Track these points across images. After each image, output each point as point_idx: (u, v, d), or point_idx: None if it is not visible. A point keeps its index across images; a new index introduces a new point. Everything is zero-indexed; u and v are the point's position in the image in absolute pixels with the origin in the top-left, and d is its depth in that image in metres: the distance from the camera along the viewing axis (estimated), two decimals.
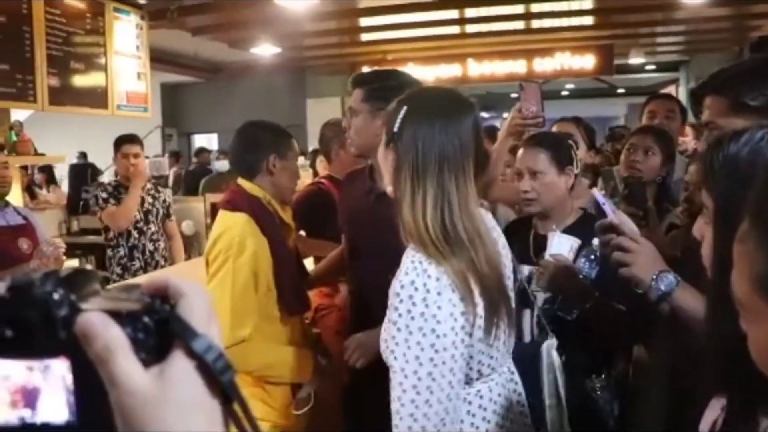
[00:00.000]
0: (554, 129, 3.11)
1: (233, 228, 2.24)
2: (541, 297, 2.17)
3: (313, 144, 11.19)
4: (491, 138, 3.95)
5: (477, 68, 10.23)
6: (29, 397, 0.47)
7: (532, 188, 2.25)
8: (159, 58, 9.27)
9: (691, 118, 3.23)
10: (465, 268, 1.41)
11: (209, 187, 7.00)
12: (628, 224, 1.57)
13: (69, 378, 0.47)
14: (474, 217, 1.47)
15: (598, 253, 2.00)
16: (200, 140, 13.63)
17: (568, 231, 2.20)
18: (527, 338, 2.15)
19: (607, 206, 1.66)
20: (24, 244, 3.39)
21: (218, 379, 0.48)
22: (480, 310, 1.43)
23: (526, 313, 2.17)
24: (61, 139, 9.38)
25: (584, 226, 2.15)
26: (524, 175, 2.26)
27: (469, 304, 1.40)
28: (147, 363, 0.47)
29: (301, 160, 6.28)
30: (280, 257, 2.30)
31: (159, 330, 0.48)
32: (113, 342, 0.46)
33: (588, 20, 8.85)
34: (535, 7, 8.01)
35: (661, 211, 2.66)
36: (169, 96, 12.83)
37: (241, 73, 11.37)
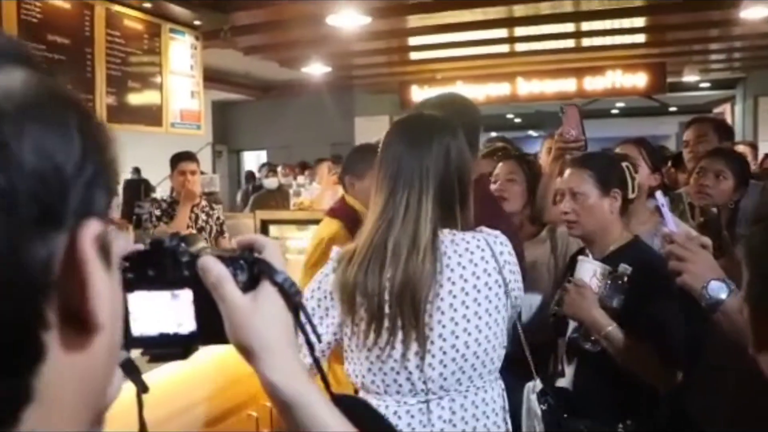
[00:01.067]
0: (617, 150, 3.06)
1: (323, 230, 2.83)
2: (572, 325, 2.10)
3: None
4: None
5: (526, 87, 10.16)
6: (166, 315, 0.70)
7: (572, 210, 2.18)
8: (211, 77, 9.46)
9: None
10: (361, 279, 1.49)
11: (258, 204, 7.09)
12: (687, 231, 1.55)
13: (192, 302, 0.70)
14: (414, 236, 1.48)
15: (625, 281, 1.95)
16: (249, 157, 13.83)
17: (611, 257, 2.11)
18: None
19: (666, 211, 1.63)
20: None
21: (292, 299, 0.72)
22: (359, 320, 1.50)
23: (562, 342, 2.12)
24: (120, 154, 9.58)
25: (630, 253, 2.08)
26: (565, 196, 2.21)
27: (347, 312, 1.52)
28: (244, 289, 0.71)
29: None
30: None
31: (250, 268, 0.71)
32: (221, 275, 0.70)
33: (640, 38, 8.72)
34: (586, 26, 7.92)
35: (734, 238, 2.58)
36: (220, 113, 13.05)
37: (290, 91, 11.51)
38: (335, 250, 1.60)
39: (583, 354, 1.98)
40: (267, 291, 0.71)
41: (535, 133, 20.27)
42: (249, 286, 0.71)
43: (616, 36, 8.44)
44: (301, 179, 6.68)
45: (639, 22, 7.95)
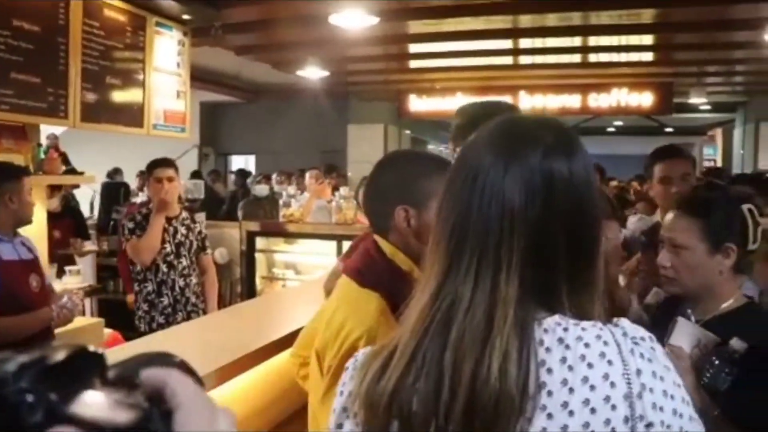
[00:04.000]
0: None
1: (361, 318, 1.47)
2: None
3: (352, 170, 10.94)
4: None
5: (529, 101, 9.84)
6: None
7: (672, 265, 1.76)
8: (200, 77, 9.06)
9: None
10: (402, 400, 0.86)
11: (246, 212, 6.68)
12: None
13: None
14: (486, 333, 0.84)
15: (736, 358, 1.54)
16: (237, 161, 13.43)
17: (717, 321, 1.69)
18: None
19: None
20: (34, 281, 3.05)
21: None
22: None
23: None
24: (100, 154, 9.17)
25: (742, 319, 1.67)
26: (666, 246, 1.78)
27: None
28: None
29: (344, 190, 5.96)
30: None
31: None
32: None
33: (648, 56, 8.44)
34: (593, 41, 7.61)
35: None
36: (209, 115, 12.64)
37: (282, 95, 11.14)
38: (361, 353, 0.98)
39: None
40: None
41: None
42: None
43: (623, 53, 8.16)
44: (291, 189, 6.28)
45: (647, 39, 7.65)
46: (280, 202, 6.12)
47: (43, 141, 4.58)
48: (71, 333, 3.50)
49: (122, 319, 4.61)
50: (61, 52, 4.21)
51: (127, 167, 9.15)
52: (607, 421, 0.80)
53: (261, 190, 6.91)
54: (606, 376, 0.80)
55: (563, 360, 0.83)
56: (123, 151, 8.95)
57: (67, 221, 5.98)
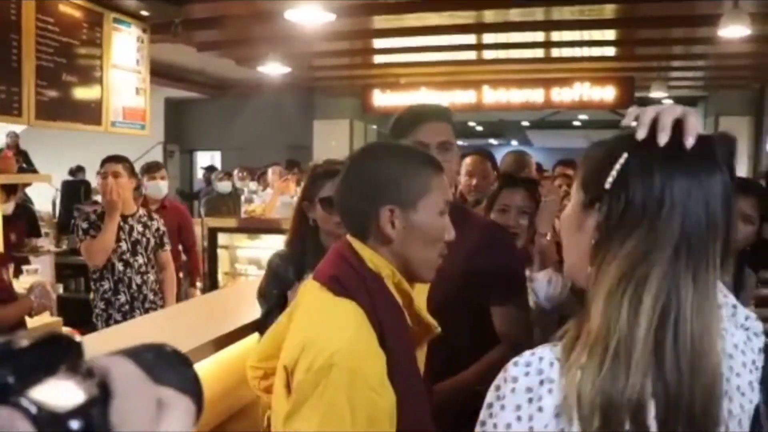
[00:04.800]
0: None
1: (337, 333, 1.34)
2: None
3: None
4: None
5: (492, 95, 9.90)
6: None
7: None
8: (164, 73, 8.98)
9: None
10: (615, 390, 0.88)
11: (209, 208, 6.65)
12: None
13: None
14: (705, 330, 0.91)
15: None
16: (203, 157, 13.33)
17: None
18: None
19: None
20: (4, 275, 3.08)
21: None
22: None
23: None
24: (64, 153, 9.05)
25: None
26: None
27: None
28: None
29: None
30: (408, 390, 1.36)
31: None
32: None
33: (610, 51, 8.53)
34: (556, 36, 7.70)
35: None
36: (173, 112, 12.52)
37: (248, 91, 11.08)
38: (545, 354, 0.94)
39: None
40: None
41: (495, 141, 20.17)
42: None
43: (585, 48, 8.25)
44: (253, 185, 6.26)
45: (609, 34, 7.75)
46: (242, 198, 6.11)
47: (2, 139, 4.52)
48: (30, 330, 3.47)
49: (85, 318, 4.56)
50: (13, 49, 4.15)
51: (91, 165, 9.04)
52: (750, 402, 0.95)
53: (224, 186, 6.88)
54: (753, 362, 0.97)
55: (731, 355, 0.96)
56: (87, 150, 8.83)
57: (21, 223, 5.90)
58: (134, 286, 4.04)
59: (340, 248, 1.47)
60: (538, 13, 6.81)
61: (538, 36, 7.66)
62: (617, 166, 0.95)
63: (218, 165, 11.95)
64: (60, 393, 0.40)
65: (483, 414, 0.96)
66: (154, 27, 5.83)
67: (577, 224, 1.01)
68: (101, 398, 0.41)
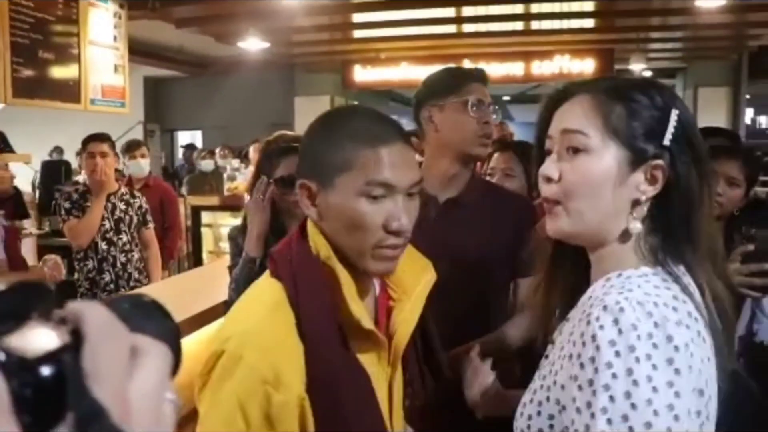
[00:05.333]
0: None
1: (244, 316, 1.22)
2: None
3: None
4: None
5: None
6: None
7: None
8: (142, 51, 8.88)
9: None
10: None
11: (191, 187, 6.62)
12: None
13: None
14: None
15: None
16: (184, 137, 13.24)
17: None
18: None
19: None
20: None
21: None
22: None
23: None
24: (43, 133, 8.95)
25: None
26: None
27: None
28: (32, 428, 0.37)
29: None
30: (328, 386, 1.15)
31: (58, 386, 0.38)
32: None
33: (589, 23, 8.57)
34: (535, 8, 7.71)
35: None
36: (153, 91, 12.39)
37: (228, 68, 10.99)
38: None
39: None
40: None
41: None
42: (45, 421, 0.36)
43: (565, 20, 8.27)
44: (235, 163, 6.25)
45: (588, 6, 7.79)
46: (224, 175, 6.09)
47: None
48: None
49: (70, 299, 4.54)
50: None
51: (71, 145, 8.96)
52: None
53: (206, 164, 6.86)
54: None
55: None
56: (67, 129, 8.75)
57: (10, 204, 5.84)
58: (119, 265, 4.04)
59: (300, 224, 1.30)
60: None
61: (518, 8, 7.67)
62: (673, 122, 1.02)
63: (199, 144, 11.88)
64: (30, 339, 0.39)
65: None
66: (132, 3, 5.75)
67: (616, 181, 1.02)
68: (73, 344, 0.39)
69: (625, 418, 0.89)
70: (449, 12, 7.78)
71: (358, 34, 9.01)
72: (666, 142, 1.01)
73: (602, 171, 1.03)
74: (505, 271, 2.01)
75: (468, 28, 8.78)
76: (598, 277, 1.06)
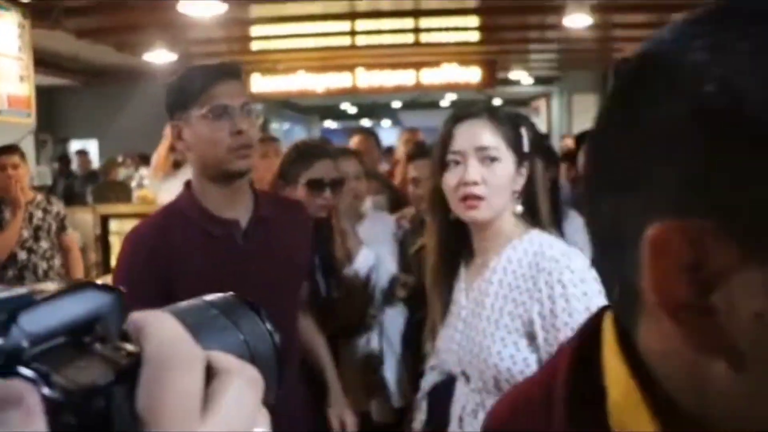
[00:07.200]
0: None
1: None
2: None
3: None
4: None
5: (366, 78, 10.38)
6: None
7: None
8: (36, 60, 8.74)
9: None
10: None
11: (97, 197, 6.72)
12: None
13: None
14: None
15: None
16: (77, 146, 12.96)
17: None
18: None
19: None
20: None
21: None
22: None
23: None
24: None
25: None
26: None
27: None
28: None
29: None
30: None
31: (103, 427, 0.30)
32: None
33: (474, 36, 9.22)
34: (424, 23, 8.28)
35: None
36: (45, 100, 12.10)
37: (126, 77, 10.93)
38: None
39: None
40: None
41: (369, 122, 20.73)
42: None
43: (452, 32, 8.85)
44: (145, 171, 6.41)
45: (473, 21, 8.42)
46: (133, 183, 6.25)
47: None
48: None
49: None
50: None
51: None
52: None
53: (124, 173, 6.98)
54: None
55: None
56: None
57: None
58: (40, 272, 4.09)
59: None
60: (407, 4, 7.40)
61: (408, 23, 8.21)
62: (528, 138, 1.58)
63: (95, 154, 11.75)
64: (81, 363, 0.31)
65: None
66: (35, 13, 5.81)
67: (512, 178, 1.55)
68: (131, 370, 0.31)
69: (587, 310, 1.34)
70: (344, 26, 8.21)
71: (256, 46, 9.29)
72: (526, 149, 1.54)
73: (509, 173, 1.50)
74: (303, 279, 1.99)
75: (361, 40, 9.24)
76: (492, 247, 1.53)
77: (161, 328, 0.31)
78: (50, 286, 0.32)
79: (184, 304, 0.37)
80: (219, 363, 0.32)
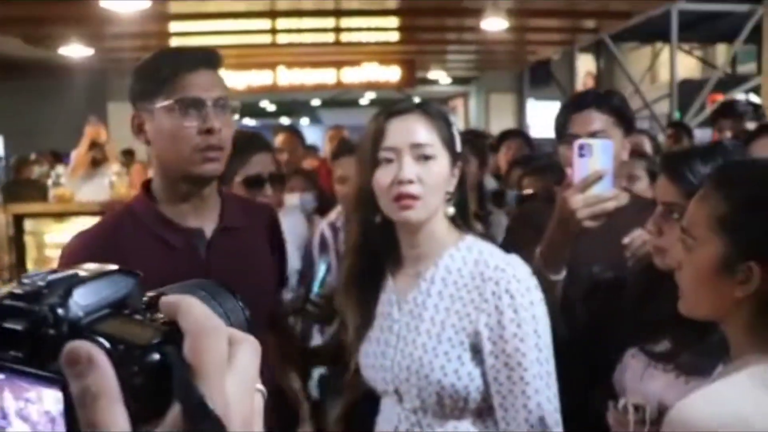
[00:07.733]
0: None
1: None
2: None
3: (111, 146, 10.63)
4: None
5: (287, 77, 10.39)
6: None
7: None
8: None
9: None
10: None
11: (9, 196, 6.50)
12: None
13: (58, 413, 0.38)
14: None
15: None
16: None
17: None
18: None
19: None
20: None
21: None
22: None
23: None
24: None
25: None
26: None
27: None
28: (139, 416, 0.37)
29: (115, 167, 6.06)
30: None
31: (165, 376, 0.38)
32: (99, 384, 0.36)
33: (394, 36, 9.38)
34: (345, 22, 8.37)
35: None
36: None
37: (37, 72, 10.54)
38: None
39: None
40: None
41: (288, 120, 20.62)
42: (152, 408, 0.38)
43: (373, 32, 8.99)
44: (60, 169, 6.25)
45: (393, 22, 8.57)
46: (49, 182, 6.09)
47: None
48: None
49: None
50: None
51: None
52: None
53: (29, 171, 6.77)
54: None
55: None
56: None
57: None
58: None
59: None
60: (328, 4, 7.46)
61: (329, 23, 8.28)
62: (459, 137, 1.47)
63: (0, 150, 11.31)
64: (129, 329, 0.39)
65: None
66: None
67: (446, 177, 1.42)
68: (171, 337, 0.39)
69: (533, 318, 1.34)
70: (264, 24, 8.20)
71: (175, 42, 9.14)
72: (458, 149, 1.45)
73: (444, 172, 1.39)
74: (272, 294, 1.84)
75: (282, 39, 9.24)
76: (425, 255, 1.43)
77: (192, 307, 0.41)
78: (89, 267, 0.41)
79: (176, 287, 0.45)
80: (233, 334, 0.42)
